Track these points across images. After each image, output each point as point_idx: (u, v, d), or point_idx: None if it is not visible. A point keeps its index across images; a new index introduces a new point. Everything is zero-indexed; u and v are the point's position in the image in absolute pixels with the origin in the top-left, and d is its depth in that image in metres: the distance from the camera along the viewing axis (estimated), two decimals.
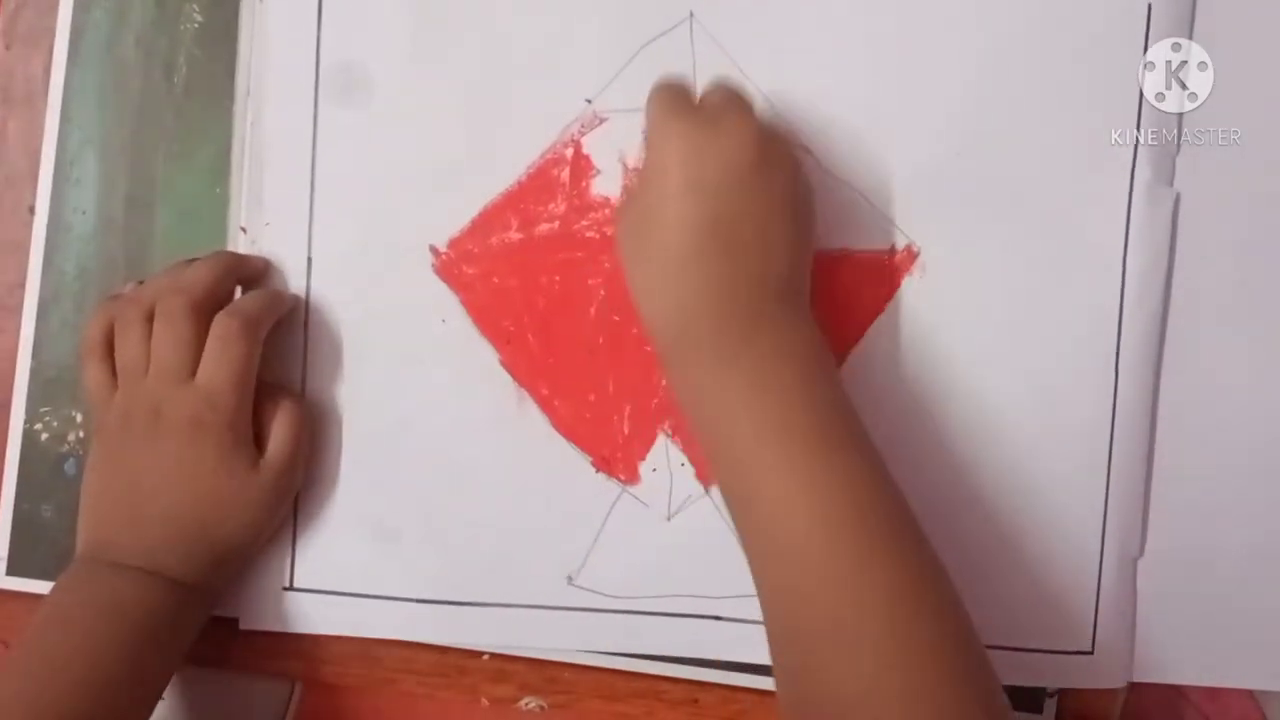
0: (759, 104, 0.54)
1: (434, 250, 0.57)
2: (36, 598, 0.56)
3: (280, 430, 0.54)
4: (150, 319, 0.53)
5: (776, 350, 0.47)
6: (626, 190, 0.55)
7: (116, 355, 0.54)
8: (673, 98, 0.49)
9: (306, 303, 0.57)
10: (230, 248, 0.58)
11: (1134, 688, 0.57)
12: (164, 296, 0.53)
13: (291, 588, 0.58)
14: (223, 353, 0.52)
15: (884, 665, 0.43)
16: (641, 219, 0.49)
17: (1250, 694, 0.58)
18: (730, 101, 0.49)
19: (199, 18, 0.58)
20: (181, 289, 0.53)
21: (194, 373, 0.53)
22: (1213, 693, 0.57)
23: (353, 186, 0.57)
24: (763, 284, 0.48)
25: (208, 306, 0.53)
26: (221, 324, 0.53)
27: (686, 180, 0.47)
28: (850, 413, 0.48)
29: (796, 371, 0.47)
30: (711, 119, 0.48)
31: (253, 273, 0.57)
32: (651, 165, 0.49)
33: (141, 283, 0.56)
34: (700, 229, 0.47)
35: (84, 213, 0.59)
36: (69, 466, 0.59)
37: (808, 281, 0.50)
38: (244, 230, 0.57)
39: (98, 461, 0.55)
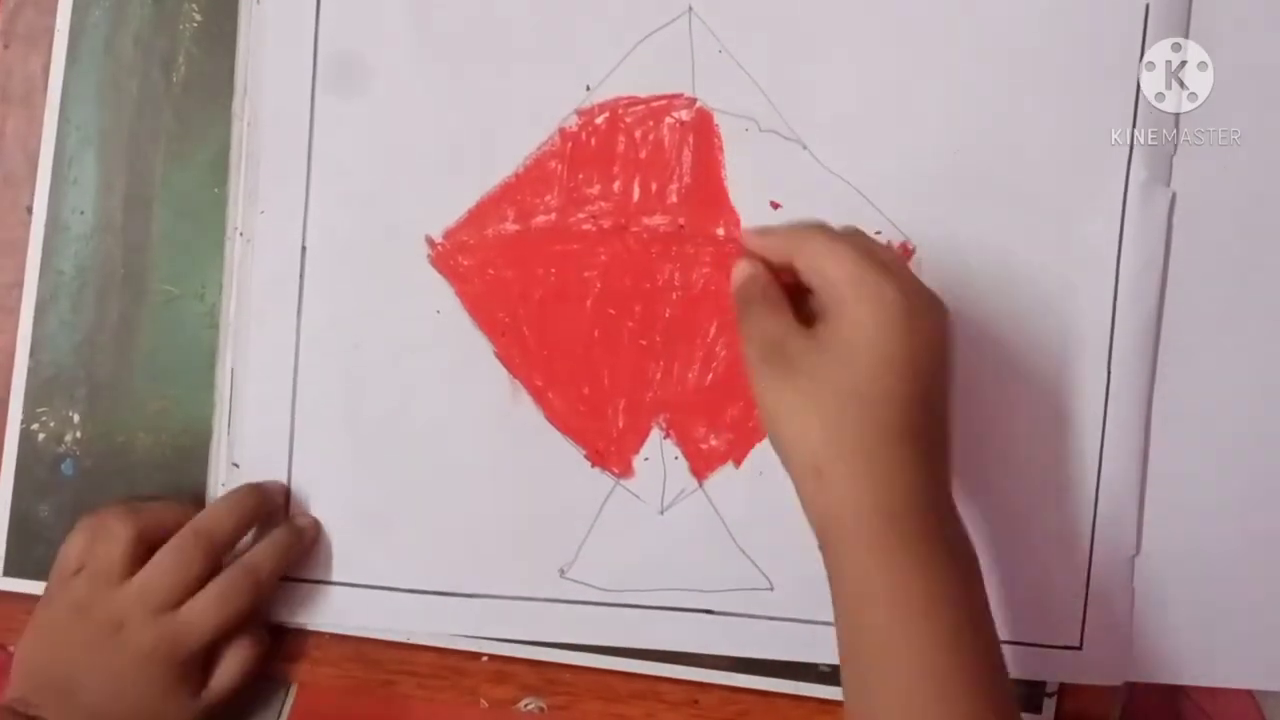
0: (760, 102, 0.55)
1: (429, 241, 0.57)
2: (33, 599, 0.56)
3: (231, 665, 0.55)
4: (139, 539, 0.53)
5: (955, 542, 0.45)
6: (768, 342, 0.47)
7: (89, 551, 0.53)
8: (868, 250, 0.46)
9: (300, 292, 0.57)
10: (226, 249, 0.58)
11: (1134, 687, 0.57)
12: (186, 535, 0.53)
13: (282, 577, 0.57)
14: (222, 602, 0.53)
15: None
16: (823, 383, 0.44)
17: (1250, 694, 0.57)
18: (909, 269, 0.47)
19: (198, 17, 0.58)
20: (203, 531, 0.54)
21: (177, 605, 0.52)
22: (1212, 692, 0.57)
23: (349, 176, 0.57)
24: (945, 468, 0.46)
25: (221, 552, 0.54)
26: (233, 576, 0.53)
27: (899, 354, 0.44)
28: (989, 623, 0.45)
29: (965, 580, 0.45)
30: (911, 290, 0.45)
31: (271, 509, 0.57)
32: (851, 329, 0.44)
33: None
34: (911, 406, 0.44)
35: (82, 213, 0.59)
36: (66, 467, 0.59)
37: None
38: (240, 234, 0.58)
39: (42, 634, 0.54)
